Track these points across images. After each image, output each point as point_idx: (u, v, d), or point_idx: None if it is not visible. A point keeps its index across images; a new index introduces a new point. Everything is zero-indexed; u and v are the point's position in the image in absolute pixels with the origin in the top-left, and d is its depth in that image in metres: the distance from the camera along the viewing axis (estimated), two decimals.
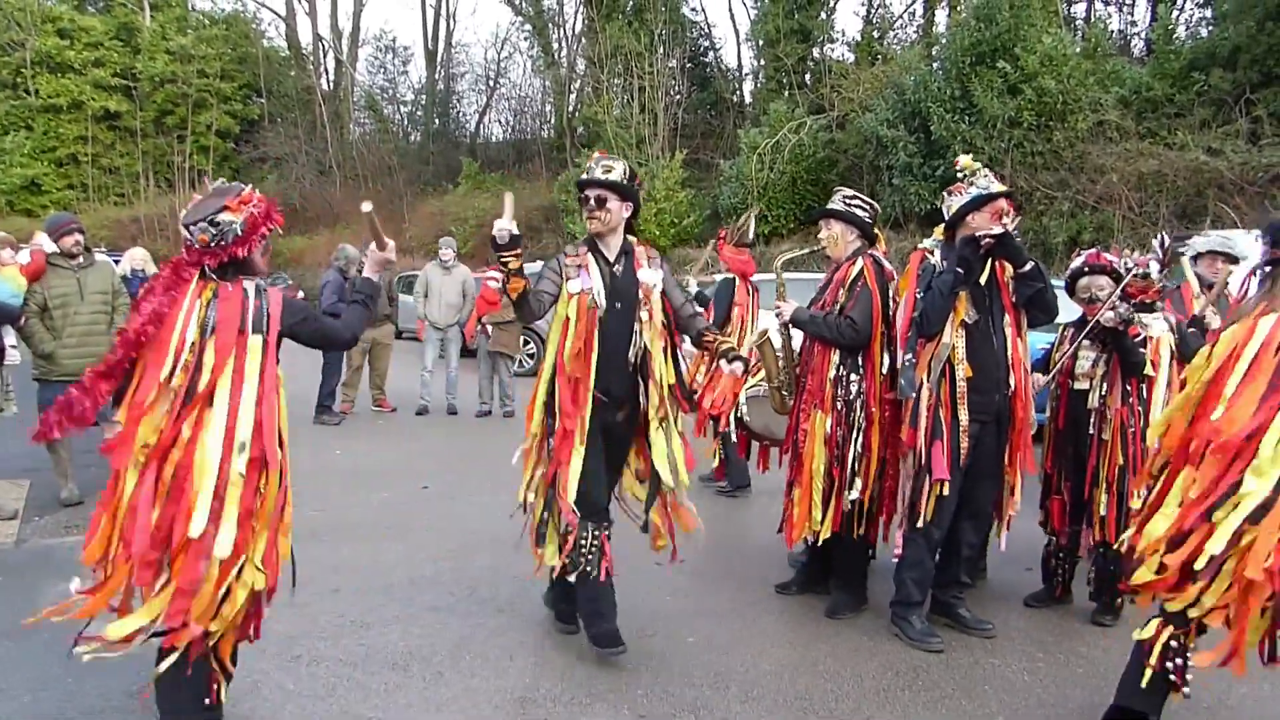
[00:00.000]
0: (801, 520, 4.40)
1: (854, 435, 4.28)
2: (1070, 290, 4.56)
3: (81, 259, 6.18)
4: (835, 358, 4.35)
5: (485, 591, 4.69)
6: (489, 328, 9.97)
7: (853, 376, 4.31)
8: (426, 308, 10.38)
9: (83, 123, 32.16)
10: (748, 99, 27.82)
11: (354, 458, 7.93)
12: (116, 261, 9.54)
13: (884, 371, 4.30)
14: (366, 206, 3.33)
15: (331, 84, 36.57)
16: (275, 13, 37.60)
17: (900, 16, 26.44)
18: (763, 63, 25.47)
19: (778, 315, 4.57)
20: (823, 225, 4.57)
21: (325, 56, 37.19)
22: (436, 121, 34.43)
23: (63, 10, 32.47)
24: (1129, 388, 4.33)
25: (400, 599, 4.56)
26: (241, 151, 34.47)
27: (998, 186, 4.06)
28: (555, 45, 31.04)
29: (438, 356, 10.51)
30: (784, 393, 4.71)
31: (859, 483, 4.26)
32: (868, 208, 4.53)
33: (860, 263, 4.39)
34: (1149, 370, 4.25)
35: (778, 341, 4.70)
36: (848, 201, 4.51)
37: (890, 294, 4.36)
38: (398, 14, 70.79)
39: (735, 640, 4.18)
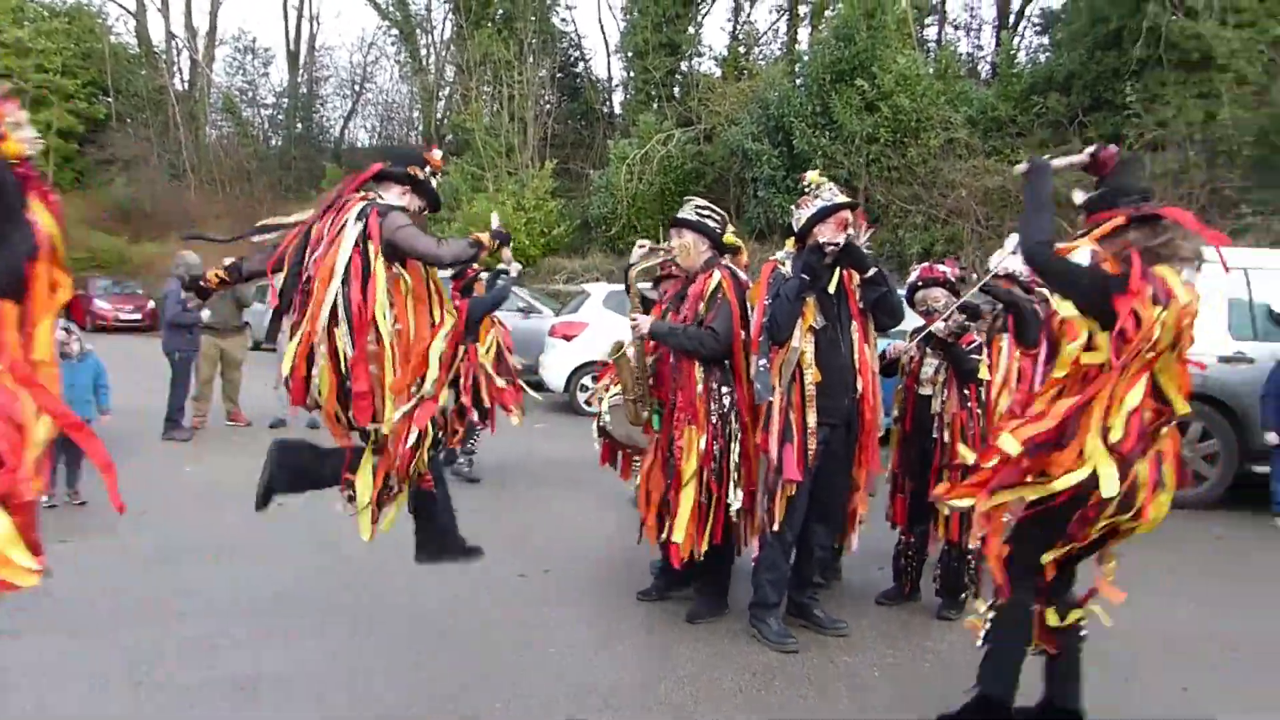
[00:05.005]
0: (689, 537, 4.28)
1: (731, 445, 4.27)
2: (910, 302, 4.78)
3: None
4: (699, 372, 4.29)
5: (340, 612, 4.54)
6: None
7: (723, 389, 4.29)
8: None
9: None
10: (617, 110, 28.11)
11: (206, 475, 7.56)
12: None
13: (748, 378, 4.36)
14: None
15: (186, 84, 34.88)
16: (124, 8, 35.62)
17: (765, 33, 27.25)
18: (632, 74, 25.75)
19: (634, 328, 4.50)
20: (674, 234, 4.58)
21: (179, 55, 35.51)
22: (299, 125, 33.40)
23: None
24: (966, 392, 4.55)
25: (251, 621, 4.37)
26: (87, 153, 32.45)
27: (841, 198, 4.21)
28: (423, 51, 30.59)
29: None
30: (638, 405, 4.67)
31: (740, 492, 4.26)
32: (718, 218, 4.57)
33: (717, 275, 4.40)
34: (984, 374, 4.47)
35: (632, 354, 4.61)
36: (699, 211, 4.53)
37: (747, 302, 4.44)
38: (257, 14, 67.93)
39: (597, 649, 4.18)
